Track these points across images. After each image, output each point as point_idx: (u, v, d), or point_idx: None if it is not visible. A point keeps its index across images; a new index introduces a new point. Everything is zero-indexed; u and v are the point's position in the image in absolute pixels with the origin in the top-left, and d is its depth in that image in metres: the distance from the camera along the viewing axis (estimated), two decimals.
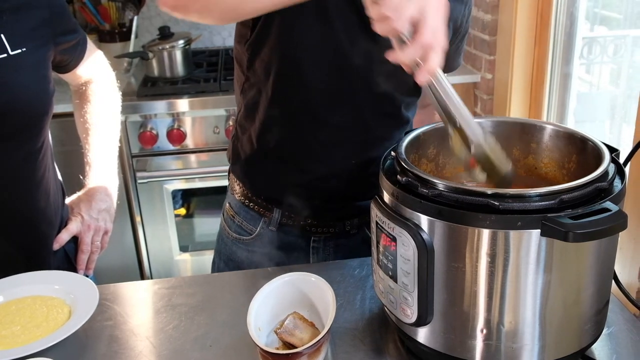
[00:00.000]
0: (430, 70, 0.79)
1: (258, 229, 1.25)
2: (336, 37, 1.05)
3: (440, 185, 0.78)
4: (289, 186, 1.20)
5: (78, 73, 1.32)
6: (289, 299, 0.97)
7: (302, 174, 1.19)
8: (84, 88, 1.37)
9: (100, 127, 1.36)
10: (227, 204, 1.32)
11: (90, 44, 1.34)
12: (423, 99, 1.27)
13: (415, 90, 1.17)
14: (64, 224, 1.28)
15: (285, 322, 0.91)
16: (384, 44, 0.82)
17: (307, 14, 1.01)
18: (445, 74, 0.95)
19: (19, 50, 1.09)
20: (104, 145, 1.36)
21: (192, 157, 2.34)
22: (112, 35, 2.60)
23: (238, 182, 1.28)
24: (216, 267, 1.35)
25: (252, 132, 1.20)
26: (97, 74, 1.38)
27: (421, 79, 0.79)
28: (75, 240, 1.30)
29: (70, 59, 1.27)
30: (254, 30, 1.09)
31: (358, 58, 1.07)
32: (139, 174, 2.30)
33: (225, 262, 1.32)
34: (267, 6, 0.94)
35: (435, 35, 0.78)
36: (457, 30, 1.19)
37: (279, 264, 1.22)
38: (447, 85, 0.83)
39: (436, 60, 0.78)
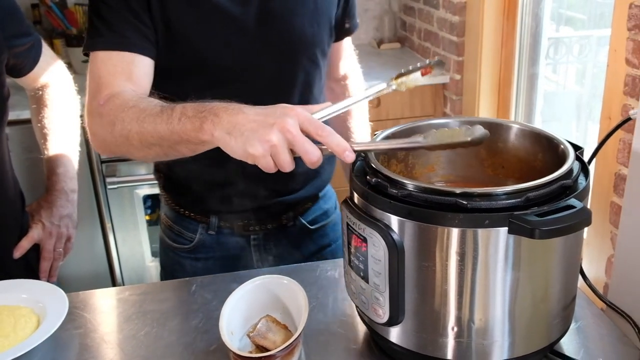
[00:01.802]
0: (343, 147, 0.78)
1: (198, 235, 1.25)
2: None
3: (410, 185, 0.79)
4: (216, 199, 1.20)
5: (33, 77, 1.30)
6: (261, 302, 0.97)
7: (225, 185, 1.19)
8: (40, 92, 1.34)
9: (59, 132, 1.33)
10: (163, 214, 1.31)
11: (46, 47, 1.31)
12: (333, 68, 1.29)
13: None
14: (24, 231, 1.25)
15: (258, 326, 0.91)
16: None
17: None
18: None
19: None
20: (63, 150, 1.33)
21: None
22: (79, 39, 2.56)
23: (167, 195, 1.28)
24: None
25: None
26: (54, 77, 1.35)
27: (349, 159, 0.79)
28: (36, 248, 1.27)
29: (25, 63, 1.25)
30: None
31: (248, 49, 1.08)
32: (108, 180, 2.28)
33: (172, 274, 1.30)
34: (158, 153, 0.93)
35: (314, 125, 0.78)
36: None
37: (224, 267, 1.23)
38: (368, 142, 0.85)
39: (335, 140, 0.78)
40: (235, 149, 0.78)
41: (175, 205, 1.27)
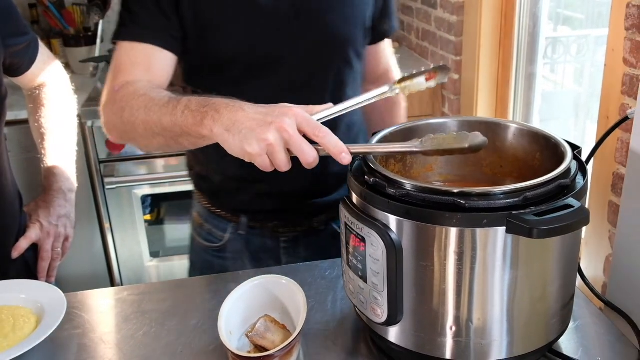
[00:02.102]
0: (340, 149, 0.80)
1: (228, 235, 1.25)
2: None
3: (408, 185, 0.79)
4: (248, 197, 1.21)
5: (30, 76, 1.29)
6: (260, 302, 0.97)
7: (257, 184, 1.19)
8: (37, 92, 1.34)
9: (56, 132, 1.33)
10: (195, 213, 1.32)
11: (42, 47, 1.31)
12: (371, 69, 1.27)
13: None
14: (22, 231, 1.25)
15: (257, 325, 0.91)
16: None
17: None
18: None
19: None
20: (61, 150, 1.32)
21: (161, 162, 2.32)
22: (77, 39, 2.57)
23: (200, 194, 1.29)
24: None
25: (195, 154, 1.22)
26: (51, 77, 1.35)
27: (345, 161, 0.80)
28: (34, 248, 1.27)
29: (22, 62, 1.24)
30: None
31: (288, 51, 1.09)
32: (107, 180, 2.28)
33: (200, 271, 1.31)
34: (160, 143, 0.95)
35: (311, 125, 0.79)
36: None
37: (253, 267, 1.22)
38: (362, 145, 0.85)
39: (332, 142, 0.80)
40: (232, 146, 0.79)
41: (206, 203, 1.27)
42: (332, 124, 1.14)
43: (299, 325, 0.88)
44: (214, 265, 1.28)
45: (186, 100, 0.88)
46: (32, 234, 1.24)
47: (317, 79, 1.14)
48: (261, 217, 1.23)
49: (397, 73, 1.39)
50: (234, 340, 0.92)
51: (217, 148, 1.17)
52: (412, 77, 0.96)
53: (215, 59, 1.10)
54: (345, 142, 1.17)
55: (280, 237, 1.25)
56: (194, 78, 1.14)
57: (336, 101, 1.15)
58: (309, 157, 0.78)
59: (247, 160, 0.79)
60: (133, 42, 1.05)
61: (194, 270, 1.35)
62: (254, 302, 0.97)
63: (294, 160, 1.14)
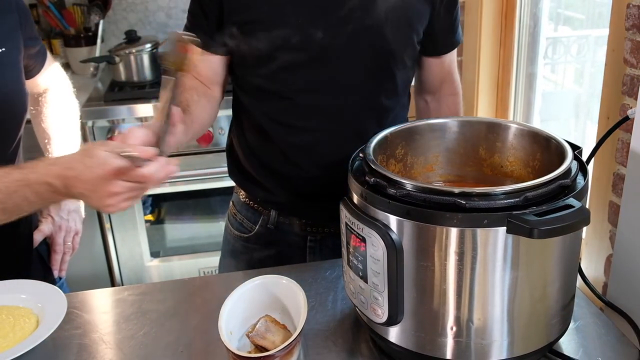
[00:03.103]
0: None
1: (257, 227, 1.29)
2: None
3: (408, 185, 0.79)
4: (280, 191, 1.23)
5: (37, 81, 1.32)
6: (260, 302, 0.97)
7: (291, 180, 1.21)
8: (42, 96, 1.37)
9: (62, 133, 1.37)
10: (231, 202, 1.37)
11: (48, 54, 1.35)
12: (429, 80, 1.28)
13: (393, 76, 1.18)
14: (33, 226, 1.29)
15: (257, 326, 0.91)
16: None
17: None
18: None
19: (1, 50, 1.11)
20: (67, 149, 1.36)
21: None
22: (77, 39, 2.56)
23: (235, 181, 1.33)
24: (222, 266, 1.40)
25: (239, 140, 1.26)
26: (54, 82, 1.38)
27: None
28: (46, 242, 1.32)
29: (34, 65, 1.28)
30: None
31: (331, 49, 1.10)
32: None
33: (228, 258, 1.36)
34: None
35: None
36: (434, 5, 1.18)
37: (278, 262, 1.24)
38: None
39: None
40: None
41: (242, 193, 1.31)
42: (364, 124, 1.17)
43: (300, 325, 0.88)
44: (240, 254, 1.32)
45: None
46: (45, 228, 1.29)
47: (352, 80, 1.14)
48: (291, 213, 1.25)
49: (459, 87, 1.38)
50: (234, 341, 0.92)
51: (261, 141, 1.22)
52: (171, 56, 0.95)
53: (255, 53, 1.13)
54: (350, 141, 1.19)
55: (307, 236, 1.27)
56: (234, 72, 1.22)
57: (373, 101, 1.17)
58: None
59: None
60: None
61: (223, 257, 1.39)
62: (255, 302, 0.97)
63: (325, 165, 1.16)
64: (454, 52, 1.32)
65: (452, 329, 0.82)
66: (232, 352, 0.85)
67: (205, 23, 1.15)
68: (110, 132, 2.22)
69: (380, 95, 1.18)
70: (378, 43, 1.12)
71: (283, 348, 0.85)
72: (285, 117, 1.16)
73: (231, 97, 1.29)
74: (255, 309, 0.96)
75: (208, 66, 1.19)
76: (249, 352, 0.89)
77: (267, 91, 1.16)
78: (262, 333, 0.90)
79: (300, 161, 1.19)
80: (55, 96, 1.38)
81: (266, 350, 0.87)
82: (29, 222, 1.26)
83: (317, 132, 1.16)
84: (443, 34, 1.23)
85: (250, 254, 1.30)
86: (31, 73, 1.29)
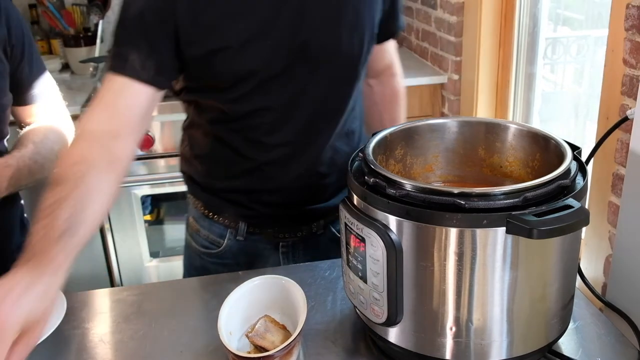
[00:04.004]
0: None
1: (226, 241, 1.24)
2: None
3: (408, 185, 0.79)
4: (248, 205, 1.20)
5: (32, 111, 1.24)
6: (259, 302, 0.97)
7: (256, 193, 1.19)
8: (29, 127, 1.24)
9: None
10: (191, 218, 1.30)
11: (61, 101, 1.29)
12: (373, 65, 1.25)
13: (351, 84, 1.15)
14: (25, 229, 1.28)
15: (257, 326, 0.91)
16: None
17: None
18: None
19: None
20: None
21: (161, 162, 2.32)
22: (77, 39, 2.56)
23: (196, 200, 1.27)
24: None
25: (202, 160, 1.20)
26: (52, 120, 1.27)
27: None
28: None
29: (26, 91, 1.22)
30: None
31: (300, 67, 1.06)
32: None
33: (196, 275, 1.30)
34: None
35: None
36: None
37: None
38: None
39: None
40: None
41: (204, 209, 1.25)
42: (329, 132, 1.15)
43: (299, 325, 0.88)
44: (211, 272, 1.26)
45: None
46: None
47: (319, 90, 1.11)
48: (261, 223, 1.22)
49: (398, 67, 1.38)
50: (233, 341, 0.92)
51: (219, 162, 1.17)
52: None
53: (221, 80, 1.07)
54: (345, 151, 1.19)
55: (279, 242, 1.25)
56: (192, 96, 1.13)
57: (336, 109, 1.15)
58: None
59: None
60: (112, 74, 1.01)
61: (189, 274, 1.33)
62: (254, 302, 0.97)
63: (296, 170, 1.14)
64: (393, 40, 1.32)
65: (451, 329, 0.82)
66: (232, 353, 0.85)
67: (149, 50, 1.00)
68: None
69: (350, 98, 1.16)
70: (345, 52, 1.09)
71: (282, 348, 0.85)
72: (258, 135, 1.12)
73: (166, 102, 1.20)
74: (254, 309, 0.96)
75: (133, 102, 1.00)
76: (249, 353, 0.89)
77: (237, 112, 1.10)
78: (261, 333, 0.90)
79: (274, 175, 1.16)
80: (46, 131, 1.24)
81: (266, 350, 0.87)
82: (11, 227, 1.24)
83: (291, 145, 1.13)
84: (389, 22, 1.21)
85: (220, 270, 1.25)
86: (24, 89, 1.22)
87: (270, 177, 1.16)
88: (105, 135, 0.97)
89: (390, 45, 1.32)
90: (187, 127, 1.23)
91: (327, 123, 1.14)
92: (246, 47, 1.02)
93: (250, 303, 0.96)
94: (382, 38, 1.23)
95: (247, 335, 0.90)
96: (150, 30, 1.00)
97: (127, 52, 1.00)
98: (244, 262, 1.25)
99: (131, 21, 1.00)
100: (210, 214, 1.24)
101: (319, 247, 1.27)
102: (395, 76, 1.37)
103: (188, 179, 1.27)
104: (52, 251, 0.82)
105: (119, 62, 1.00)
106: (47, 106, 1.27)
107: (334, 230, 1.28)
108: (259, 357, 0.85)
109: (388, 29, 1.23)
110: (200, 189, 1.24)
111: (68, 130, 1.29)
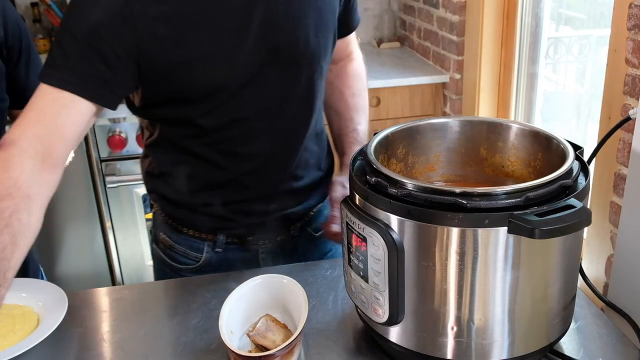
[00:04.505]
0: None
1: (204, 254, 1.22)
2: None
3: (409, 185, 0.79)
4: (225, 217, 1.18)
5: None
6: (261, 301, 0.97)
7: (234, 203, 1.17)
8: None
9: None
10: (161, 234, 1.25)
11: None
12: (334, 57, 1.23)
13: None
14: None
15: (258, 325, 0.91)
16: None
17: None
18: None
19: None
20: None
21: None
22: None
23: (166, 217, 1.23)
24: None
25: (171, 177, 1.16)
26: None
27: None
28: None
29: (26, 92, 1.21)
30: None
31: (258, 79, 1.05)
32: (108, 179, 2.28)
33: None
34: None
35: None
36: None
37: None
38: None
39: None
40: None
41: (177, 225, 1.22)
42: (303, 133, 1.15)
43: (300, 324, 0.88)
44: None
45: None
46: None
47: (290, 92, 1.10)
48: (240, 233, 1.21)
49: (358, 53, 1.36)
50: (234, 340, 0.92)
51: (194, 177, 1.14)
52: None
53: (188, 93, 1.04)
54: (316, 151, 1.19)
55: (258, 249, 1.24)
56: (157, 112, 1.09)
57: (308, 110, 1.14)
58: None
59: None
60: (51, 87, 0.93)
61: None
62: (255, 301, 0.97)
63: (274, 176, 1.13)
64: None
65: (452, 329, 0.82)
66: (233, 351, 0.85)
67: (101, 67, 0.94)
68: (111, 131, 2.23)
69: (319, 96, 1.15)
70: (312, 52, 1.09)
71: (284, 347, 0.85)
72: (233, 146, 1.10)
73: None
74: (256, 309, 0.96)
75: (75, 119, 0.94)
76: (250, 352, 0.89)
77: (210, 125, 1.07)
78: (262, 332, 0.90)
79: (252, 184, 1.15)
80: None
81: (267, 349, 0.87)
82: None
83: (268, 152, 1.12)
84: (347, 17, 1.21)
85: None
86: (23, 91, 1.21)
87: (248, 187, 1.15)
88: (40, 155, 0.91)
89: (350, 37, 1.32)
90: (153, 144, 1.17)
91: (301, 125, 1.14)
92: (214, 58, 1.01)
93: (252, 302, 0.96)
94: (342, 33, 1.23)
95: (248, 334, 0.90)
96: (105, 47, 0.93)
97: (76, 66, 0.93)
98: (223, 273, 1.23)
99: (85, 34, 0.93)
100: (185, 229, 1.21)
101: (297, 249, 1.27)
102: (354, 60, 1.35)
103: (158, 197, 1.23)
104: None
105: (66, 75, 0.93)
106: None
107: (310, 230, 1.28)
108: (260, 356, 0.85)
109: (347, 25, 1.23)
110: (174, 205, 1.20)
111: None
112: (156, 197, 1.24)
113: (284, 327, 0.93)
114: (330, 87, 1.28)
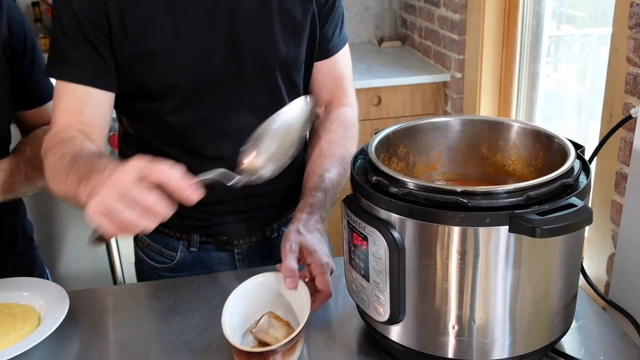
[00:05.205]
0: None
1: (179, 253, 1.22)
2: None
3: (410, 184, 0.79)
4: (197, 217, 1.17)
5: (39, 114, 1.24)
6: (263, 298, 0.97)
7: (206, 204, 1.15)
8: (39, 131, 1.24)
9: None
10: (140, 233, 1.24)
11: None
12: (320, 90, 1.21)
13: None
14: (27, 233, 1.29)
15: (260, 322, 0.91)
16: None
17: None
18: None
19: None
20: None
21: None
22: None
23: None
24: None
25: None
26: None
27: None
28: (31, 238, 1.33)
29: (35, 92, 1.22)
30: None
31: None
32: None
33: None
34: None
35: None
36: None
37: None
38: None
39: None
40: (90, 213, 0.76)
41: None
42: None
43: (302, 321, 0.88)
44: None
45: (78, 163, 0.88)
46: None
47: (258, 98, 1.10)
48: (213, 232, 1.20)
49: (352, 98, 1.26)
50: (237, 337, 0.92)
51: None
52: None
53: (154, 87, 1.06)
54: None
55: (234, 250, 1.23)
56: (127, 107, 1.12)
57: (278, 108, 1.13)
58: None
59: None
60: (64, 82, 1.02)
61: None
62: (258, 299, 0.97)
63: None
64: (345, 56, 1.22)
65: (454, 327, 0.82)
66: (235, 347, 0.85)
67: (92, 53, 1.01)
68: (112, 130, 2.22)
69: (285, 105, 1.14)
70: (280, 57, 1.09)
71: (285, 343, 0.85)
72: (200, 147, 1.10)
73: None
74: (258, 306, 0.96)
75: (95, 110, 1.04)
76: (252, 348, 0.89)
77: (175, 124, 1.09)
78: (265, 329, 0.90)
79: (222, 186, 1.15)
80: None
81: (269, 346, 0.87)
82: (12, 229, 1.25)
83: (234, 156, 1.07)
84: (328, 30, 1.17)
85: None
86: (27, 90, 1.21)
87: (217, 188, 1.15)
88: (81, 134, 1.01)
89: (339, 66, 1.23)
90: (125, 140, 1.20)
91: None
92: (175, 52, 1.02)
93: (254, 299, 0.96)
94: (322, 55, 1.19)
95: (251, 331, 0.90)
96: (89, 33, 1.00)
97: (75, 58, 1.01)
98: (200, 273, 1.22)
99: (68, 26, 1.00)
100: (160, 227, 1.17)
101: (274, 250, 1.25)
102: (345, 106, 1.24)
103: None
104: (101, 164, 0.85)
105: (71, 68, 1.01)
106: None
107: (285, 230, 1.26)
108: (262, 352, 0.85)
109: (328, 44, 1.18)
110: None
111: None
112: None
113: (287, 324, 0.94)
114: (312, 129, 1.24)
